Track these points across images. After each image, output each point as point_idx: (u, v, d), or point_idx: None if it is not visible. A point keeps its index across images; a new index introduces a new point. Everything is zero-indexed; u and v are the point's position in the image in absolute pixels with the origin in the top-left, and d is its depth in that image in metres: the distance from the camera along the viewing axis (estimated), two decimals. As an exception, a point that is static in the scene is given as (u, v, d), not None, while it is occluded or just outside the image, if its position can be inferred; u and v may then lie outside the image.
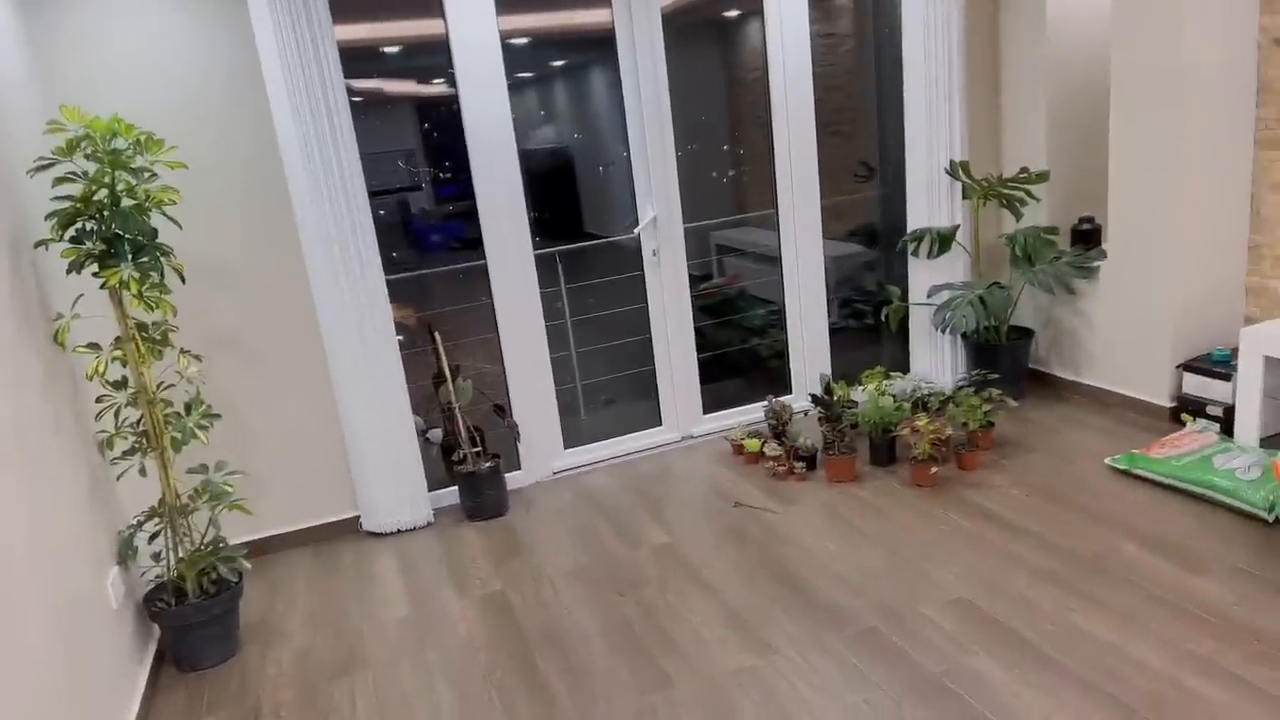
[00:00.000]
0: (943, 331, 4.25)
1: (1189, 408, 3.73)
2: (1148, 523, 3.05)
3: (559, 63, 4.31)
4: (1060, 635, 2.50)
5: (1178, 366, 3.78)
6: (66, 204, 2.55)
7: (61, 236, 2.57)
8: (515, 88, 3.74)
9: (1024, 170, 4.10)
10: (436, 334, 3.74)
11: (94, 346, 2.67)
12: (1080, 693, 2.26)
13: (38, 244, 2.61)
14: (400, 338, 3.63)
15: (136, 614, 2.86)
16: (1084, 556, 2.89)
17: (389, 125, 3.94)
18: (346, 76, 3.31)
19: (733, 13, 4.32)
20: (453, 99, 3.65)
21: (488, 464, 3.71)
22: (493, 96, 3.64)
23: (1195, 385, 3.71)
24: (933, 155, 4.16)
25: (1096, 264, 4.01)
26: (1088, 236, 4.17)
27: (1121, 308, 3.96)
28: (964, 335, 4.32)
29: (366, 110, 3.74)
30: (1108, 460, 3.51)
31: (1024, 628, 2.55)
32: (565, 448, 4.12)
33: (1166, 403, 3.83)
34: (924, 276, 4.36)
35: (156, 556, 2.89)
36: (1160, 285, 3.76)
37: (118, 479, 2.96)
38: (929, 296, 4.34)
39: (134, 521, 2.88)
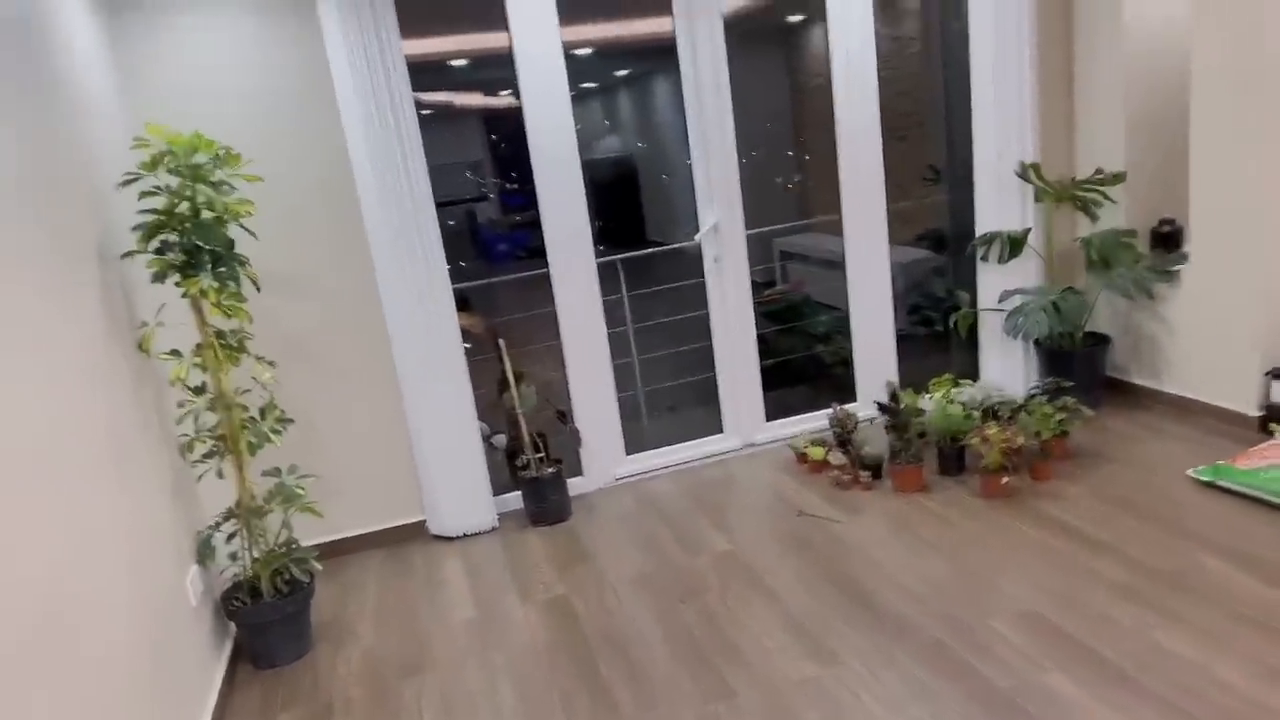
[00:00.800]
0: (1014, 338, 4.14)
1: (1278, 417, 3.56)
2: (1233, 537, 2.92)
3: (622, 72, 4.35)
4: (1138, 652, 2.40)
5: (1266, 374, 3.61)
6: (151, 217, 2.67)
7: (146, 248, 2.69)
8: (579, 98, 3.78)
9: (1099, 171, 3.98)
10: (501, 341, 3.79)
11: (176, 353, 2.78)
12: (1159, 712, 2.17)
13: (124, 255, 2.73)
14: (467, 345, 3.69)
15: (214, 612, 2.96)
16: (1164, 571, 2.77)
17: (457, 137, 4.03)
18: (415, 90, 3.39)
19: (796, 17, 4.30)
20: (519, 110, 3.70)
21: (551, 469, 3.75)
22: (556, 107, 3.69)
23: (1285, 393, 3.54)
24: (1003, 157, 4.06)
25: (1178, 267, 3.86)
26: (1168, 239, 4.02)
27: (1205, 312, 3.80)
28: (1037, 342, 4.20)
29: (435, 122, 3.83)
30: (1191, 471, 3.37)
31: (1099, 644, 2.46)
32: (627, 454, 4.13)
33: (1254, 411, 3.67)
34: (994, 281, 4.26)
35: (233, 556, 2.99)
36: (1247, 288, 3.60)
37: (198, 480, 3.07)
38: (1000, 302, 4.23)
39: (212, 522, 2.99)
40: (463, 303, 4.04)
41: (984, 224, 4.23)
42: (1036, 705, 2.26)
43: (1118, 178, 3.91)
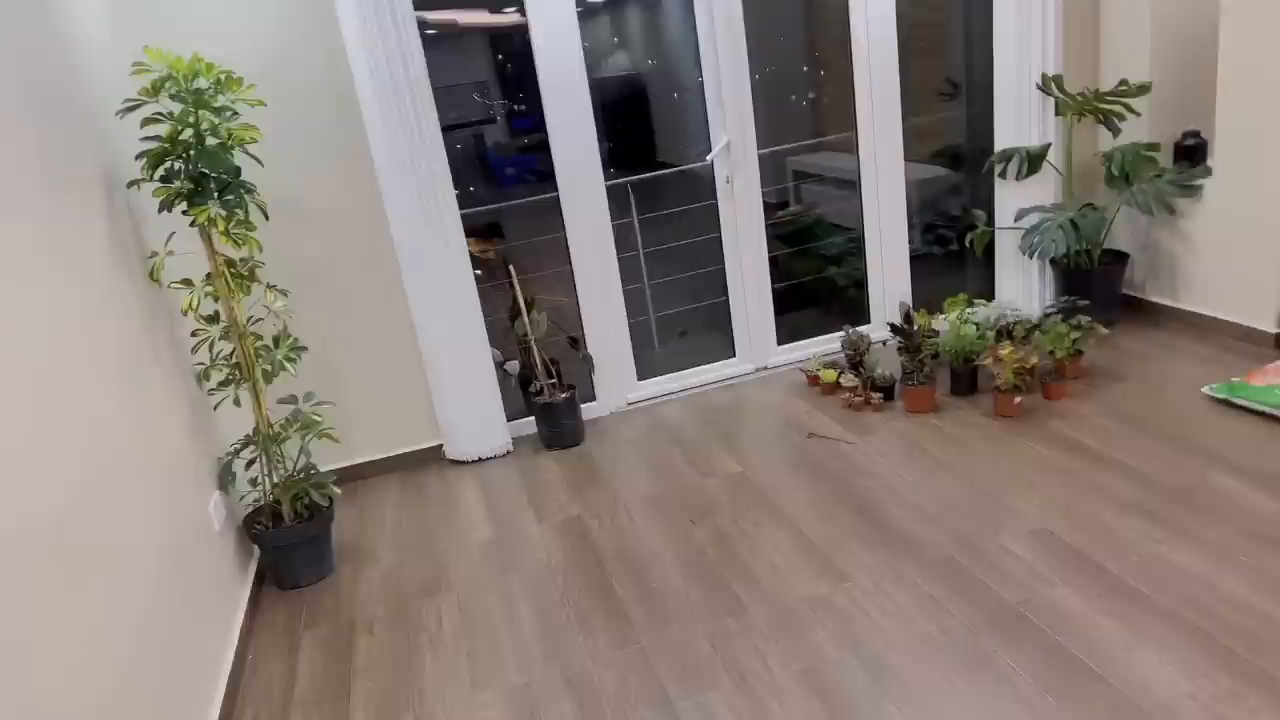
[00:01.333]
0: (1031, 256, 4.08)
1: (1298, 334, 3.52)
2: (1245, 454, 2.92)
3: (630, -14, 4.21)
4: (1146, 567, 2.43)
5: (1287, 290, 3.56)
6: (155, 144, 2.64)
7: (152, 176, 2.67)
8: (586, 15, 3.67)
9: (1123, 82, 3.85)
10: (511, 267, 3.77)
11: (187, 282, 2.79)
12: (1165, 625, 2.21)
13: (130, 184, 2.71)
14: (478, 271, 3.68)
15: (237, 536, 3.04)
16: (1175, 488, 2.79)
17: (463, 58, 3.93)
18: (418, 8, 3.29)
19: (810, -75, 4.13)
20: (525, 29, 3.60)
21: (563, 395, 3.77)
22: (562, 24, 3.58)
23: (1306, 310, 3.49)
24: (1023, 70, 3.94)
25: (1200, 182, 3.77)
26: (1192, 153, 3.92)
27: (1227, 228, 3.72)
28: (1053, 260, 4.14)
29: (440, 42, 3.73)
30: (1205, 389, 3.35)
31: (1107, 559, 2.49)
32: (639, 379, 4.15)
33: (1272, 329, 3.62)
34: (1012, 199, 4.18)
35: (254, 482, 3.05)
36: (1270, 203, 3.51)
37: (215, 408, 3.11)
38: (1016, 220, 4.16)
39: (231, 449, 3.04)
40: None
41: (1002, 139, 4.13)
42: (1043, 619, 2.30)
43: (1143, 89, 3.79)
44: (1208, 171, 3.75)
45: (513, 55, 3.89)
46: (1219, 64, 3.59)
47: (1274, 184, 3.48)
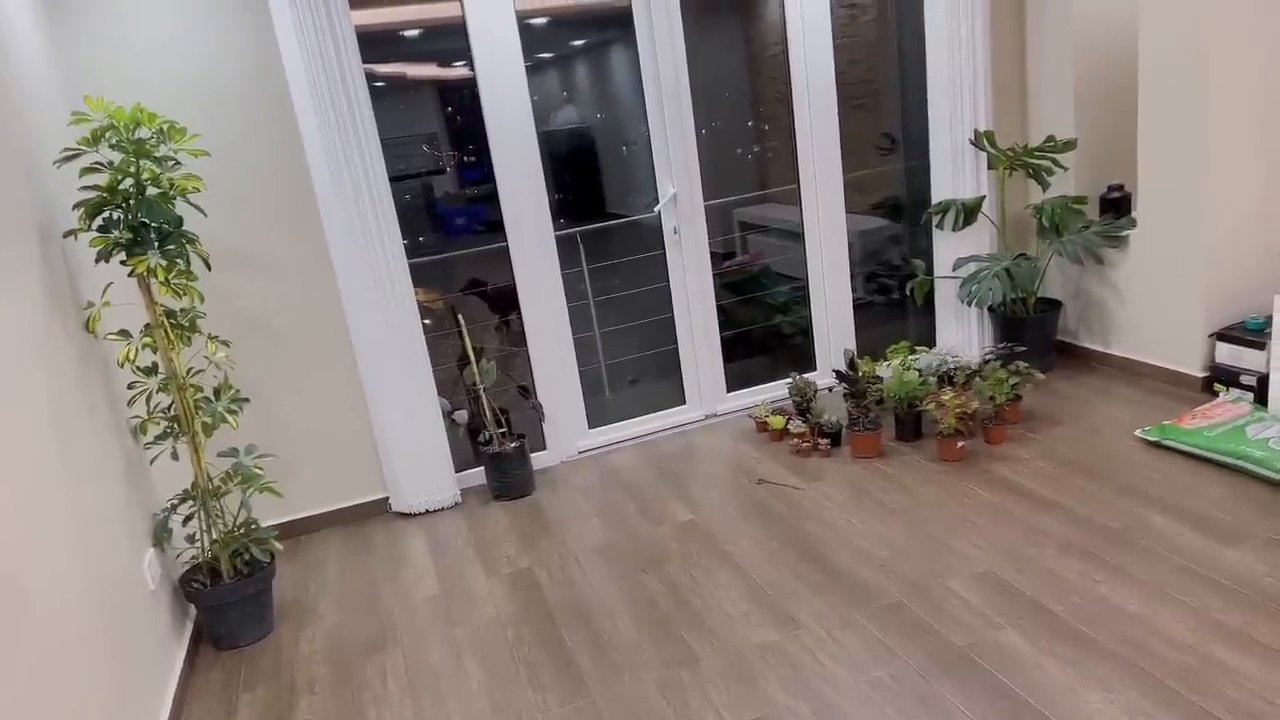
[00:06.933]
0: (969, 304, 4.20)
1: (1222, 377, 3.66)
2: (1178, 494, 3.01)
3: (578, 42, 4.29)
4: (1087, 608, 2.48)
5: (1210, 335, 3.71)
6: (93, 194, 2.60)
7: (89, 226, 2.62)
8: (535, 69, 3.73)
9: (1050, 139, 4.03)
10: (460, 316, 3.76)
11: (124, 334, 2.72)
12: (1107, 665, 2.24)
13: (67, 234, 2.66)
14: (426, 321, 3.66)
15: (173, 595, 2.93)
16: (1112, 529, 2.86)
17: (412, 109, 3.95)
18: (367, 61, 3.32)
19: (752, -14, 4.27)
20: (474, 82, 3.64)
21: (513, 444, 3.75)
22: (511, 79, 3.64)
23: (1228, 354, 3.64)
24: (957, 125, 4.10)
25: (1126, 233, 3.94)
26: (1117, 205, 4.10)
27: (1152, 277, 3.88)
28: (990, 308, 4.27)
29: (389, 95, 3.76)
30: (1138, 432, 3.46)
31: (1050, 601, 2.53)
32: (590, 427, 4.14)
33: (1199, 373, 3.77)
34: (949, 249, 4.31)
35: (191, 538, 2.95)
36: (1192, 253, 3.68)
37: (151, 463, 3.02)
38: (954, 269, 4.29)
39: (168, 504, 2.95)
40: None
41: (939, 192, 4.28)
42: (990, 661, 2.32)
43: (1069, 145, 3.97)
44: (1132, 223, 3.92)
45: (462, 108, 3.93)
46: (1139, 121, 3.77)
47: (1194, 235, 3.65)
